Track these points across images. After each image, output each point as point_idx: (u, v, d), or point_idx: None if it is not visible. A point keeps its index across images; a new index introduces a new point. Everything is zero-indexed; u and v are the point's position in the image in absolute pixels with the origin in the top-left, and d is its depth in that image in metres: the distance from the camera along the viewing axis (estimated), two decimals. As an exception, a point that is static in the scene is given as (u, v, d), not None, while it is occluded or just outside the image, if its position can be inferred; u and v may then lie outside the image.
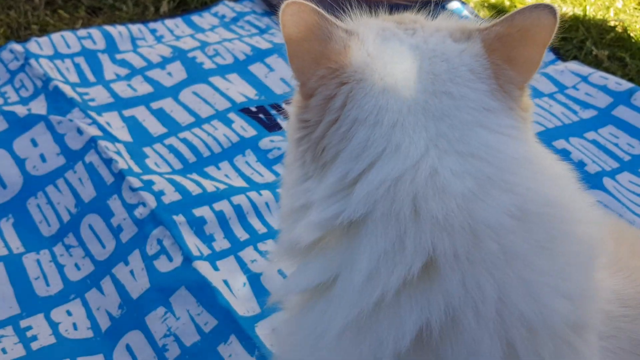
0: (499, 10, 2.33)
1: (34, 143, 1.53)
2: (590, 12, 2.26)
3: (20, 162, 1.49)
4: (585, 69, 1.81)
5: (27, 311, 1.19)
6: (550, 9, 0.62)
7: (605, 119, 1.65)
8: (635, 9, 2.33)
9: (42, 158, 1.50)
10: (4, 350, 1.10)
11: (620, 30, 2.14)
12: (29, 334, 1.14)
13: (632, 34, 2.11)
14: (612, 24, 2.18)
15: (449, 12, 2.14)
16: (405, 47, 0.66)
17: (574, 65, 1.84)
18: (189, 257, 1.21)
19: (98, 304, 1.21)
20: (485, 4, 2.34)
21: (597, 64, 1.94)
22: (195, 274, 1.18)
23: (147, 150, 1.56)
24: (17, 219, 1.39)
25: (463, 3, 2.18)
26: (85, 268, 1.28)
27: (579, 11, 2.27)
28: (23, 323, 1.16)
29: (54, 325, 1.16)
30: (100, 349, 1.13)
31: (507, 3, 2.37)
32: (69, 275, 1.27)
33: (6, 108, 1.62)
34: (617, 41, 2.07)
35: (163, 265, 1.22)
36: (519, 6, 2.37)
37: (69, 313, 1.20)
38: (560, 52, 1.96)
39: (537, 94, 1.71)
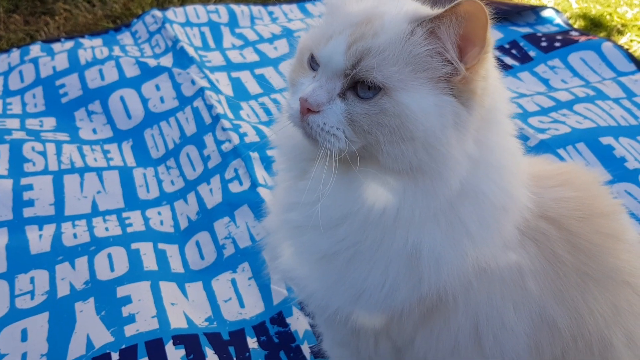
0: (595, 24, 2.41)
1: (158, 88, 1.89)
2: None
3: (144, 101, 1.86)
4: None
5: (129, 207, 1.53)
6: None
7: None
8: None
9: (162, 100, 1.86)
10: (107, 229, 1.44)
11: None
12: (127, 222, 1.48)
13: None
14: None
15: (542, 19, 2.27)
16: None
17: (651, 78, 1.90)
18: (255, 184, 1.49)
19: (182, 210, 1.53)
20: (582, 15, 2.42)
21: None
22: (257, 196, 1.46)
23: (243, 104, 1.87)
24: (135, 142, 1.75)
25: (557, 12, 2.29)
26: (178, 184, 1.61)
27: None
28: (124, 214, 1.51)
29: (146, 219, 1.49)
30: (177, 241, 1.44)
31: (607, 17, 2.44)
32: (165, 188, 1.61)
33: (141, 59, 2.01)
34: None
35: (235, 188, 1.51)
36: (618, 19, 2.44)
37: (159, 213, 1.52)
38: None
39: (602, 96, 1.81)
